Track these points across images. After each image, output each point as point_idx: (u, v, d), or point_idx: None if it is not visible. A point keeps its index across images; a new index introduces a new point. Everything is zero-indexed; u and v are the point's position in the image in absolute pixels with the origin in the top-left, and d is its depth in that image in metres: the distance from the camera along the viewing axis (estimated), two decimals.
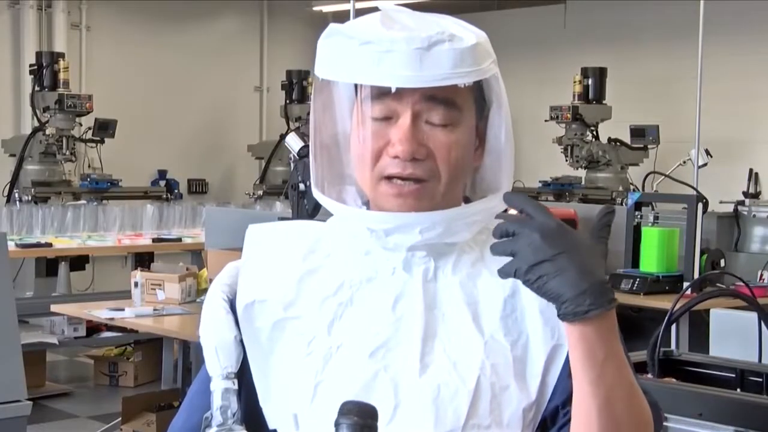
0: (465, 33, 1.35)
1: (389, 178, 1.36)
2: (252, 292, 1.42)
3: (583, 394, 1.27)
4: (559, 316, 1.25)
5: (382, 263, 1.40)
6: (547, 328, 1.36)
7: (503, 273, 1.26)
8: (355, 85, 1.38)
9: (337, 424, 1.20)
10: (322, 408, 1.34)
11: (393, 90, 1.33)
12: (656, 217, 5.68)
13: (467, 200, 1.43)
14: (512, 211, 1.31)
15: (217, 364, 1.38)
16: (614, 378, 1.26)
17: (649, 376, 2.60)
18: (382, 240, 1.38)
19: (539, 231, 1.24)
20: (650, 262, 5.39)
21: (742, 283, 2.95)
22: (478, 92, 1.39)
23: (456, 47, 1.32)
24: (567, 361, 1.33)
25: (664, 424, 2.39)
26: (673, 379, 2.65)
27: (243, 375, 1.40)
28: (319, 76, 1.39)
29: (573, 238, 1.25)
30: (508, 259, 1.26)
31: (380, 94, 1.34)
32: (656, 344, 2.58)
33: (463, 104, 1.37)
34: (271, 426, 1.40)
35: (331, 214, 1.46)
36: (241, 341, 1.41)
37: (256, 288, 1.43)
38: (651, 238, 5.41)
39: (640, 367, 2.65)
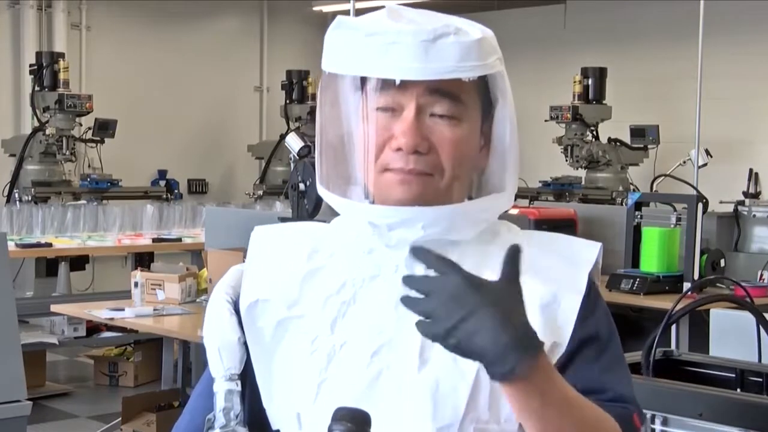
0: (471, 28, 1.35)
1: (392, 170, 1.36)
2: (255, 292, 1.42)
3: None
4: (490, 377, 1.21)
5: (385, 261, 1.39)
6: (547, 326, 1.35)
7: (423, 333, 1.19)
8: (361, 80, 1.38)
9: (330, 431, 1.21)
10: (325, 407, 1.34)
11: (398, 82, 1.33)
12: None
13: (472, 200, 1.42)
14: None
15: (221, 366, 1.38)
16: (557, 420, 1.24)
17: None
18: (385, 236, 1.38)
19: (445, 292, 1.17)
20: (650, 262, 5.39)
21: (739, 286, 2.96)
22: (484, 90, 1.39)
23: (462, 40, 1.32)
24: (561, 360, 1.33)
25: (666, 422, 2.39)
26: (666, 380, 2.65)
27: (247, 376, 1.40)
28: (325, 69, 1.39)
29: (484, 290, 1.19)
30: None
31: (385, 86, 1.35)
32: (651, 347, 2.58)
33: (467, 100, 1.37)
34: (274, 426, 1.40)
35: (333, 215, 1.46)
36: (245, 343, 1.41)
37: (259, 287, 1.43)
38: (651, 237, 5.42)
39: (635, 368, 2.66)
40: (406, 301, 1.20)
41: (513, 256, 1.22)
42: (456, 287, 1.18)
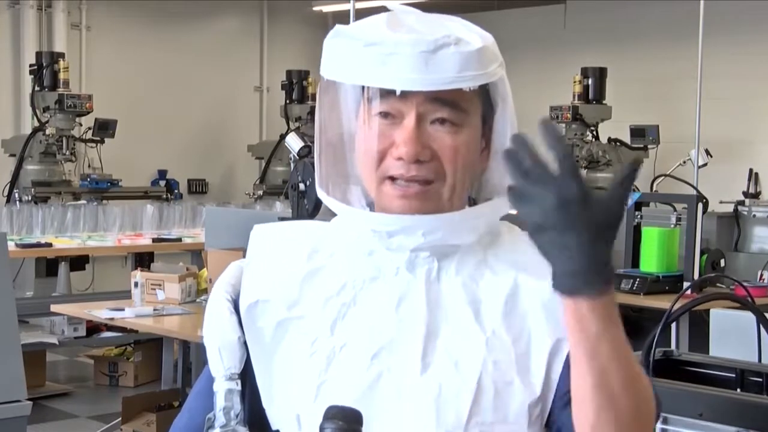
0: (471, 36, 1.35)
1: (393, 178, 1.36)
2: (255, 292, 1.42)
3: (578, 368, 1.25)
4: (553, 285, 1.21)
5: (385, 263, 1.39)
6: (550, 323, 1.35)
7: (513, 203, 1.20)
8: (361, 87, 1.38)
9: (321, 429, 1.21)
10: (324, 409, 1.34)
11: (398, 93, 1.33)
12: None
13: (473, 202, 1.43)
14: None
15: (221, 365, 1.38)
16: (609, 354, 1.23)
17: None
18: (385, 241, 1.38)
19: (557, 195, 1.16)
20: (650, 262, 5.39)
21: (740, 285, 2.96)
22: (484, 95, 1.38)
23: (462, 51, 1.32)
24: (569, 355, 1.32)
25: (666, 422, 2.40)
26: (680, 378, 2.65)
27: (247, 376, 1.40)
28: (324, 76, 1.39)
29: (588, 212, 1.17)
30: (504, 271, 1.26)
31: (385, 95, 1.34)
32: (651, 345, 2.59)
33: (468, 106, 1.36)
34: (274, 427, 1.40)
35: (333, 214, 1.46)
36: (245, 342, 1.41)
37: (259, 288, 1.42)
38: (651, 238, 5.42)
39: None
40: (508, 156, 1.17)
41: (631, 174, 1.20)
42: (566, 196, 1.16)
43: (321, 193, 1.43)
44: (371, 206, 1.42)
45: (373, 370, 1.35)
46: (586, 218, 1.17)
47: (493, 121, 1.41)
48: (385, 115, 1.36)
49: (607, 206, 1.19)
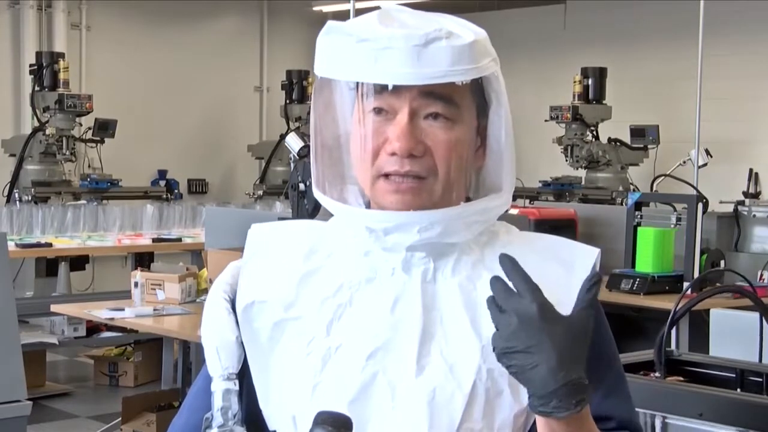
0: (463, 31, 1.34)
1: (387, 175, 1.35)
2: (252, 293, 1.42)
3: None
4: (529, 406, 1.26)
5: (381, 264, 1.39)
6: None
7: (491, 342, 1.26)
8: (355, 84, 1.38)
9: None
10: (320, 409, 1.34)
11: (390, 87, 1.32)
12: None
13: (469, 201, 1.42)
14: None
15: (218, 365, 1.38)
16: None
17: (657, 375, 2.60)
18: (381, 240, 1.37)
19: (518, 315, 1.23)
20: (645, 262, 5.39)
21: (744, 282, 2.95)
22: (478, 91, 1.38)
23: (454, 44, 1.31)
24: None
25: (666, 422, 2.40)
26: (681, 378, 2.65)
27: (244, 375, 1.40)
28: (317, 74, 1.39)
29: (553, 328, 1.23)
30: (501, 272, 1.28)
31: (378, 90, 1.34)
32: (662, 344, 2.59)
33: (461, 102, 1.36)
34: (271, 427, 1.40)
35: (332, 214, 1.46)
36: (243, 342, 1.41)
37: (256, 288, 1.42)
38: (646, 238, 5.41)
39: (646, 366, 2.66)
40: (489, 303, 1.26)
41: (591, 287, 1.28)
42: (528, 314, 1.23)
43: (317, 193, 1.42)
44: (367, 206, 1.41)
45: (368, 371, 1.34)
46: (551, 332, 1.23)
47: (487, 117, 1.40)
48: (378, 111, 1.35)
49: (572, 322, 1.25)
